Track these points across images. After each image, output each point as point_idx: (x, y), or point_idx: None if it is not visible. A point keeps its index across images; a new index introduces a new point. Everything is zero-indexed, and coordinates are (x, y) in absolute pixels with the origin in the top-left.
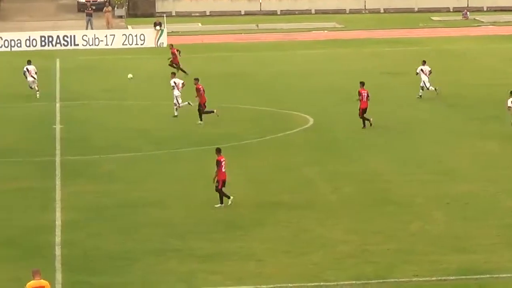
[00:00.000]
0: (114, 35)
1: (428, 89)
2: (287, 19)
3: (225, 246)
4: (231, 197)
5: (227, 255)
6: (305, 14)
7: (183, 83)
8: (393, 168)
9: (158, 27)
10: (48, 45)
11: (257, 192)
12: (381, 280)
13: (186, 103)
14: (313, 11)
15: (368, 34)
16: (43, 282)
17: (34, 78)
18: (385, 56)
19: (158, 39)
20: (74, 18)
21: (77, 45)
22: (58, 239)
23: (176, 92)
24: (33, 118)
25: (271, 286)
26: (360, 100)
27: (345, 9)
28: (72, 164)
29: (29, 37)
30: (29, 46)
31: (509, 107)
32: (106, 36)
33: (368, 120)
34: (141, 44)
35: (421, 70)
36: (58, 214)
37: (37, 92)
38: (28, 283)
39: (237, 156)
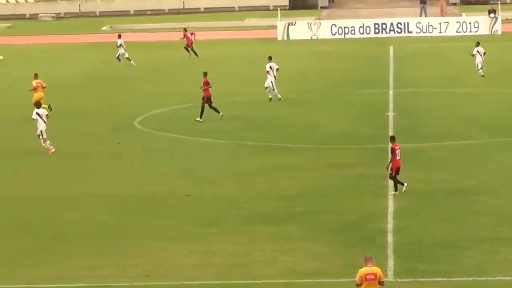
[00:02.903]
0: (448, 22)
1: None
2: None
3: None
4: (405, 184)
5: None
6: None
7: (277, 69)
8: None
9: (492, 15)
10: (382, 33)
11: None
12: None
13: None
14: None
15: None
16: (375, 268)
17: (125, 51)
18: None
19: (493, 26)
20: (409, 5)
21: (411, 32)
22: (390, 226)
23: (269, 77)
24: (367, 105)
25: None
26: None
27: None
28: (402, 151)
29: (363, 24)
30: (363, 33)
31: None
32: (440, 24)
33: None
34: (475, 32)
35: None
36: (390, 202)
37: (131, 62)
38: (361, 270)
39: None
